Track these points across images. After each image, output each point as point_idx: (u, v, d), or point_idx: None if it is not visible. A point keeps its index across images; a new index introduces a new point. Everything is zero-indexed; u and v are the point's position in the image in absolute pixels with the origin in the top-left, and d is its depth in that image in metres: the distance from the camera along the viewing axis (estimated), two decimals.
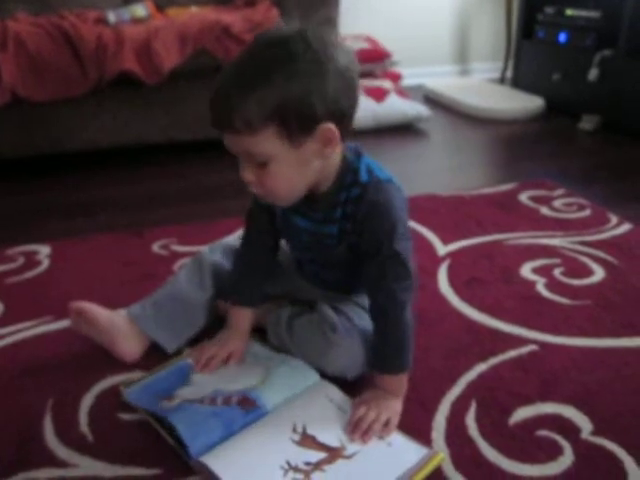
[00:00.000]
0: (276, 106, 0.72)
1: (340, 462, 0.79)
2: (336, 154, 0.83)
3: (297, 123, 0.74)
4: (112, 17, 1.91)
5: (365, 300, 0.98)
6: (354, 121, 0.81)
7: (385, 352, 0.88)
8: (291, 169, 0.78)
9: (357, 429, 0.84)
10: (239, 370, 0.96)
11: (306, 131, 0.75)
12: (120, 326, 1.00)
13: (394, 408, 0.87)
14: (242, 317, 1.00)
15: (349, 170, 0.85)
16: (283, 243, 1.04)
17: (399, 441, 0.83)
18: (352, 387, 0.92)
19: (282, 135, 0.75)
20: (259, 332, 1.05)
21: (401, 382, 0.89)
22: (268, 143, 0.75)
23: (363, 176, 0.85)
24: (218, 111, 0.76)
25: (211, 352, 0.97)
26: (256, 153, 0.76)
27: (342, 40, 0.79)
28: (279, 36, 0.75)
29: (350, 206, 0.85)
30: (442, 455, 0.80)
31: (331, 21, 2.04)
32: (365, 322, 0.94)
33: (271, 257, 1.03)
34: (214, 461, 0.77)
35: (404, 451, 0.81)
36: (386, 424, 0.85)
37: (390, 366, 0.88)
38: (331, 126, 0.76)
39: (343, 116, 0.77)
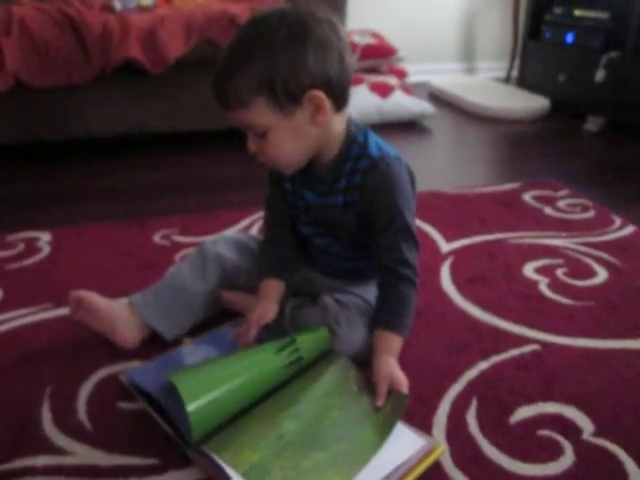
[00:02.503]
0: (260, 79, 0.78)
1: None
2: (336, 123, 0.87)
3: (284, 93, 0.79)
4: (118, 5, 1.90)
5: (367, 293, 0.97)
6: (349, 91, 0.86)
7: (391, 308, 0.90)
8: (287, 137, 0.83)
9: (380, 398, 0.84)
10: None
11: (294, 100, 0.80)
12: (120, 314, 0.99)
13: (396, 369, 0.88)
14: (270, 288, 0.99)
15: (355, 142, 0.89)
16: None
17: (400, 429, 0.82)
18: None
19: (272, 105, 0.80)
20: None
21: (399, 343, 0.90)
22: (261, 115, 0.80)
23: (372, 150, 0.89)
24: (216, 94, 0.82)
25: (245, 327, 0.95)
26: (253, 125, 0.82)
27: (334, 18, 0.83)
28: (260, 16, 0.81)
29: (357, 177, 0.89)
30: (442, 447, 0.80)
31: (338, 16, 2.02)
32: (367, 315, 0.94)
33: (294, 235, 1.03)
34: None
35: (404, 440, 0.80)
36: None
37: (393, 323, 0.90)
38: (318, 93, 0.80)
39: (330, 84, 0.81)
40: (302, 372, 0.90)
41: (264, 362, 0.86)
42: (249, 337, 0.93)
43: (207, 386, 0.80)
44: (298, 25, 0.78)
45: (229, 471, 0.73)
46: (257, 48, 0.78)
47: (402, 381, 0.86)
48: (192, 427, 0.76)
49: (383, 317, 0.91)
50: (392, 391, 0.85)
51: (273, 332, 1.00)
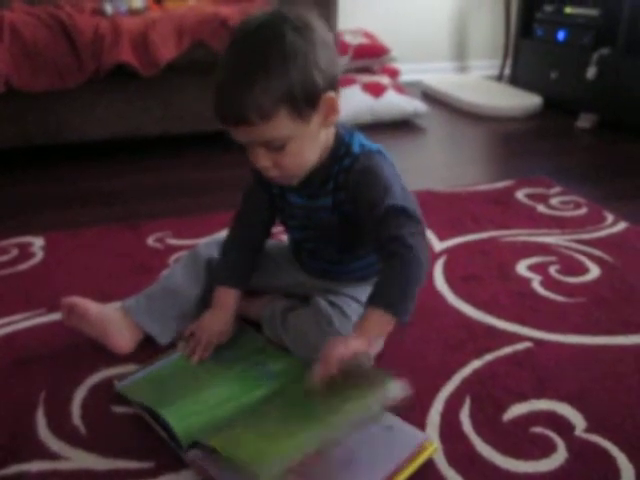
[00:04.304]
0: (283, 89, 0.75)
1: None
2: (333, 127, 0.87)
3: (304, 100, 0.77)
4: (109, 8, 1.89)
5: (361, 294, 0.97)
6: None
7: (383, 285, 0.80)
8: (305, 144, 0.82)
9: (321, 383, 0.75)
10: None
11: (313, 105, 0.78)
12: (113, 318, 0.99)
13: (347, 342, 0.76)
14: (227, 298, 0.98)
15: (342, 144, 0.89)
16: (283, 238, 1.04)
17: (398, 425, 0.82)
18: None
19: (294, 115, 0.77)
20: (254, 326, 1.04)
21: (375, 321, 0.79)
22: (283, 126, 0.77)
23: (355, 148, 0.89)
24: (228, 109, 0.77)
25: (196, 339, 0.97)
26: (273, 139, 0.78)
27: (315, 16, 0.82)
28: (261, 21, 0.78)
29: (342, 176, 0.88)
30: (435, 445, 0.80)
31: (329, 15, 2.03)
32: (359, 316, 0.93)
33: (262, 238, 1.04)
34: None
35: (401, 436, 0.80)
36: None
37: (383, 297, 0.78)
38: (332, 94, 0.80)
39: (336, 82, 0.81)
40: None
41: (244, 390, 0.89)
42: (205, 357, 0.96)
43: (195, 419, 0.82)
44: (302, 26, 0.77)
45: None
46: (271, 54, 0.75)
47: (328, 358, 0.74)
48: (181, 444, 0.79)
49: (373, 292, 0.80)
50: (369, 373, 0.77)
51: (265, 331, 1.02)
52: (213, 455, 0.75)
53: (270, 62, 0.74)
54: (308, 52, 0.76)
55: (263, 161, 0.81)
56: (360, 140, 0.90)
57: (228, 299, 0.99)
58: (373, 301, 0.79)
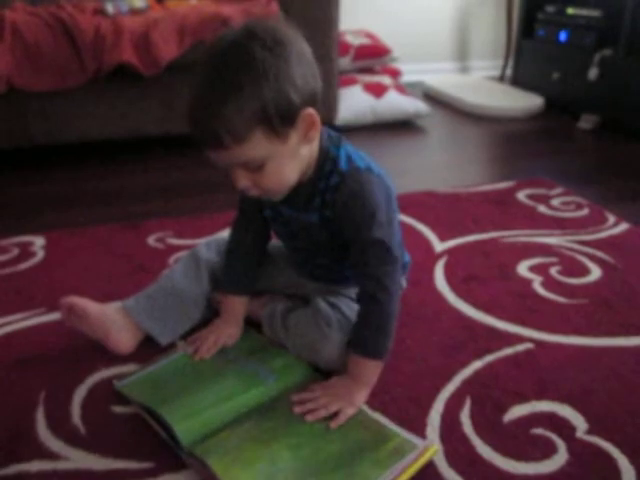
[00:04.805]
0: (254, 109, 0.72)
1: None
2: (317, 141, 0.84)
3: (279, 119, 0.74)
4: (110, 8, 1.89)
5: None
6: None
7: (363, 333, 0.87)
8: (285, 162, 0.79)
9: (300, 406, 0.85)
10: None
11: (290, 123, 0.76)
12: (113, 318, 0.99)
13: (352, 399, 0.86)
14: (236, 304, 1.01)
15: (328, 158, 0.86)
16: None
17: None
18: None
19: (269, 135, 0.75)
20: (254, 326, 1.04)
21: (371, 370, 0.88)
22: (259, 147, 0.75)
23: (342, 164, 0.85)
24: (201, 132, 0.75)
25: (202, 337, 0.98)
26: (250, 160, 0.77)
27: (286, 22, 0.80)
28: (229, 40, 0.74)
29: (329, 194, 0.86)
30: (435, 447, 0.80)
31: (331, 15, 2.03)
32: None
33: (262, 243, 1.04)
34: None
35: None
36: (336, 414, 0.84)
37: (365, 347, 0.87)
38: (310, 110, 0.77)
39: (315, 97, 0.78)
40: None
41: (245, 388, 0.89)
42: (202, 354, 0.96)
43: (195, 418, 0.83)
44: (272, 43, 0.73)
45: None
46: (241, 75, 0.72)
47: (344, 414, 0.84)
48: (181, 443, 0.79)
49: (353, 339, 0.89)
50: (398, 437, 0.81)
51: (265, 331, 1.02)
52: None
53: (240, 83, 0.71)
54: (280, 69, 0.73)
55: (243, 182, 0.80)
56: (347, 152, 0.87)
57: (236, 306, 1.01)
58: (360, 350, 0.87)
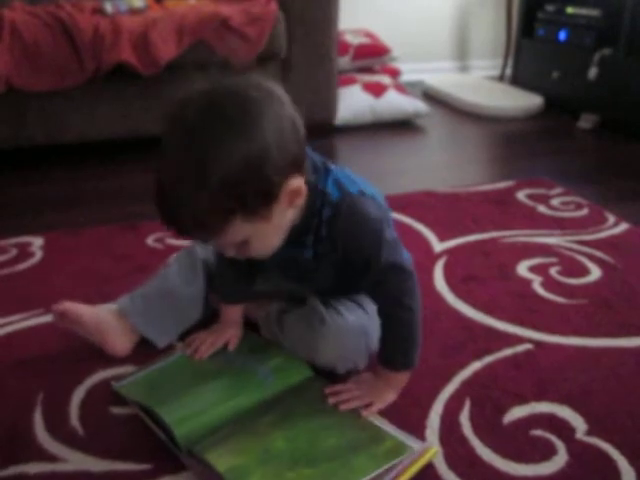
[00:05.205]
0: (228, 200, 0.66)
1: None
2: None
3: (259, 202, 0.69)
4: (109, 7, 1.89)
5: (360, 297, 0.97)
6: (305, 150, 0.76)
7: (391, 349, 0.88)
8: (270, 235, 0.76)
9: (335, 396, 0.87)
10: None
11: (271, 202, 0.70)
12: (108, 321, 0.98)
13: (384, 397, 0.88)
14: (233, 311, 1.01)
15: (316, 195, 0.79)
16: None
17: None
18: (343, 381, 0.91)
19: (249, 218, 0.70)
20: (251, 326, 1.04)
21: (403, 378, 0.90)
22: (239, 231, 0.71)
23: (333, 194, 0.80)
24: (173, 226, 0.70)
25: (201, 339, 0.98)
26: (231, 243, 0.74)
27: (263, 80, 0.72)
28: (193, 121, 0.66)
29: (324, 229, 0.81)
30: (435, 449, 0.80)
31: (330, 15, 2.03)
32: (355, 315, 0.92)
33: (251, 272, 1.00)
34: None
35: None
36: (367, 406, 0.86)
37: (394, 364, 0.88)
38: (293, 183, 0.71)
39: (297, 161, 0.72)
40: (297, 394, 0.89)
41: (243, 387, 0.90)
42: (201, 355, 0.96)
43: (192, 416, 0.83)
44: (241, 119, 0.65)
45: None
46: (207, 163, 0.64)
47: (376, 407, 0.86)
48: (180, 447, 0.79)
49: (381, 355, 0.89)
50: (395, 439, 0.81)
51: (262, 331, 1.02)
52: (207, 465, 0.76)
53: (207, 171, 0.64)
54: (254, 155, 0.65)
55: (229, 253, 0.77)
56: (335, 179, 0.81)
57: (235, 313, 1.01)
58: (391, 366, 0.88)
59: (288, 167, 0.70)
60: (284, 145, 0.69)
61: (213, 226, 0.69)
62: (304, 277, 0.92)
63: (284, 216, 0.75)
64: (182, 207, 0.67)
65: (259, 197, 0.69)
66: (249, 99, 0.67)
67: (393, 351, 0.88)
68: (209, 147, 0.65)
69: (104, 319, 0.99)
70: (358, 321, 0.91)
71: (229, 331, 0.99)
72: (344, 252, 0.82)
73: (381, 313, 0.89)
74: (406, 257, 0.86)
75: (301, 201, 0.76)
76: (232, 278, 0.98)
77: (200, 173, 0.65)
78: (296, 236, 0.82)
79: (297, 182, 0.72)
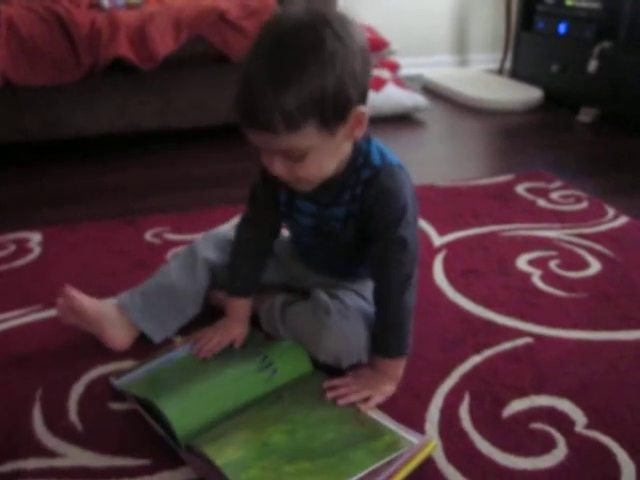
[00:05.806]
0: (316, 100, 0.69)
1: None
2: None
3: (335, 113, 0.72)
4: (106, 2, 1.88)
5: (362, 287, 0.97)
6: None
7: (384, 335, 0.89)
8: (327, 156, 0.78)
9: (333, 391, 0.87)
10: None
11: (342, 118, 0.74)
12: (109, 315, 0.98)
13: (382, 389, 0.89)
14: (241, 306, 1.00)
15: (359, 152, 0.84)
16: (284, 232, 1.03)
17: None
18: (341, 376, 0.91)
19: (321, 128, 0.72)
20: (252, 320, 1.04)
21: (397, 366, 0.90)
22: (308, 138, 0.72)
23: (375, 159, 0.84)
24: (253, 113, 0.70)
25: (207, 337, 0.97)
26: (295, 149, 0.74)
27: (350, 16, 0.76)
28: (300, 21, 0.71)
29: (359, 188, 0.84)
30: (434, 443, 0.80)
31: (329, 9, 2.01)
32: (360, 308, 0.93)
33: (270, 241, 1.01)
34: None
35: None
36: (366, 400, 0.86)
37: (387, 349, 0.89)
38: (362, 108, 0.76)
39: (366, 94, 0.76)
40: (294, 389, 0.89)
41: (244, 382, 0.89)
42: (205, 354, 0.95)
43: (192, 410, 0.83)
44: (343, 33, 0.70)
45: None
46: (307, 63, 0.68)
47: (374, 401, 0.87)
48: (178, 442, 0.79)
49: (375, 342, 0.91)
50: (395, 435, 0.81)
51: (263, 325, 1.02)
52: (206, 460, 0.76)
53: (306, 70, 0.68)
54: (346, 63, 0.70)
55: (278, 169, 0.77)
56: (379, 149, 0.86)
57: (241, 308, 1.00)
58: (385, 353, 0.90)
59: (361, 93, 0.75)
60: (364, 73, 0.74)
61: (293, 120, 0.70)
62: (325, 243, 0.94)
63: (342, 144, 0.79)
64: (273, 94, 0.69)
65: (338, 110, 0.72)
66: (349, 22, 0.73)
67: (387, 337, 0.89)
68: (311, 47, 0.69)
69: (105, 312, 0.99)
70: (362, 312, 0.92)
71: (235, 329, 0.98)
72: (368, 214, 0.85)
73: (377, 296, 0.90)
74: (416, 241, 0.87)
75: (360, 133, 0.79)
76: (245, 267, 0.98)
77: (297, 63, 0.69)
78: (334, 192, 0.86)
79: (364, 110, 0.76)
